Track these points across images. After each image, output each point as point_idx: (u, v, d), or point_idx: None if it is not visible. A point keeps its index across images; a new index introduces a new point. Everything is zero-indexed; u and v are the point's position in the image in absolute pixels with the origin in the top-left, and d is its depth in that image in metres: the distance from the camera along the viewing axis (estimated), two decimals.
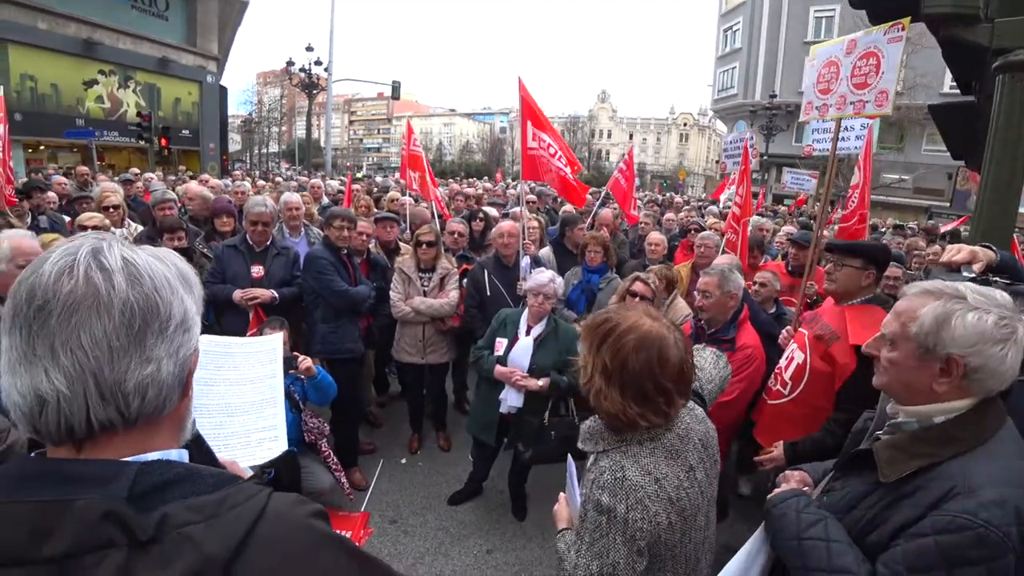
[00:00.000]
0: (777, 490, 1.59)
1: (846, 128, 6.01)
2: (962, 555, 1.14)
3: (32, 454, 0.69)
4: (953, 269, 1.86)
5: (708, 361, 1.95)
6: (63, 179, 8.18)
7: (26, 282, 0.66)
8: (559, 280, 3.55)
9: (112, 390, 0.66)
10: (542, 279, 3.41)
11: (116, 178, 8.99)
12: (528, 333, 3.48)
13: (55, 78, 19.50)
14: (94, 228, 4.27)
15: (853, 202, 5.15)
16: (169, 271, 0.73)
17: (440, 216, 6.06)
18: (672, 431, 1.45)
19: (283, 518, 0.69)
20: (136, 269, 0.69)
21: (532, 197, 8.44)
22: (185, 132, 23.96)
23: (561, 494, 1.81)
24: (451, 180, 19.91)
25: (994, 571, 1.13)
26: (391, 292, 4.35)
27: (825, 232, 7.82)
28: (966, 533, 1.14)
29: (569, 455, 1.90)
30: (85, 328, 0.64)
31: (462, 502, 3.93)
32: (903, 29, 3.03)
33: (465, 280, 4.47)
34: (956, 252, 1.88)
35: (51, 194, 6.23)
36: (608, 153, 68.47)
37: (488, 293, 4.24)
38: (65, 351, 0.64)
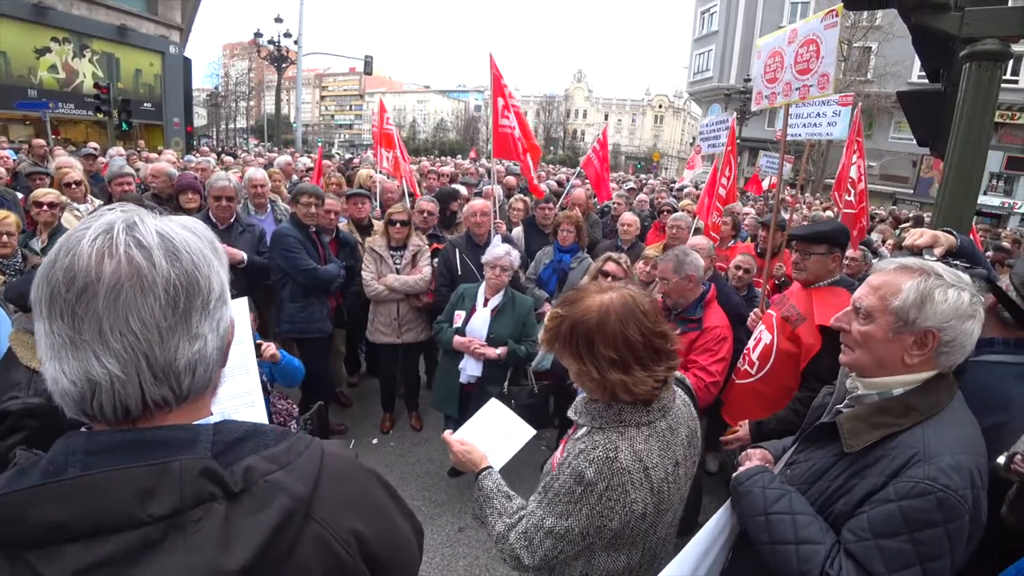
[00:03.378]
0: (742, 468, 1.61)
1: (818, 115, 6.05)
2: (924, 518, 1.20)
3: (81, 430, 0.69)
4: (915, 253, 1.90)
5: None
6: (4, 153, 7.75)
7: (61, 264, 0.63)
8: (515, 253, 3.65)
9: (164, 370, 0.67)
10: (499, 252, 3.53)
11: (78, 152, 8.57)
12: (486, 304, 3.60)
13: (3, 45, 18.33)
14: (50, 205, 4.09)
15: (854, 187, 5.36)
16: (202, 243, 0.71)
17: (411, 195, 5.97)
18: (665, 419, 1.42)
19: (339, 458, 0.80)
20: (173, 244, 0.67)
21: (511, 179, 8.37)
22: (147, 105, 22.92)
23: (465, 438, 1.80)
24: (422, 159, 19.57)
25: (952, 532, 1.19)
26: (363, 272, 4.28)
27: (794, 216, 8.02)
28: (927, 498, 1.19)
29: (495, 398, 2.01)
30: (132, 310, 0.63)
31: (460, 473, 3.91)
32: (837, 15, 3.18)
33: (436, 259, 4.42)
34: (919, 236, 1.93)
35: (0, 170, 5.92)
36: (583, 133, 68.38)
37: (459, 272, 4.21)
38: (115, 334, 0.63)
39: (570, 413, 1.50)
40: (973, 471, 1.22)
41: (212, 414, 0.77)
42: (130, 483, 0.62)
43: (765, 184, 11.33)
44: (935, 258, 1.82)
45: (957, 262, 1.80)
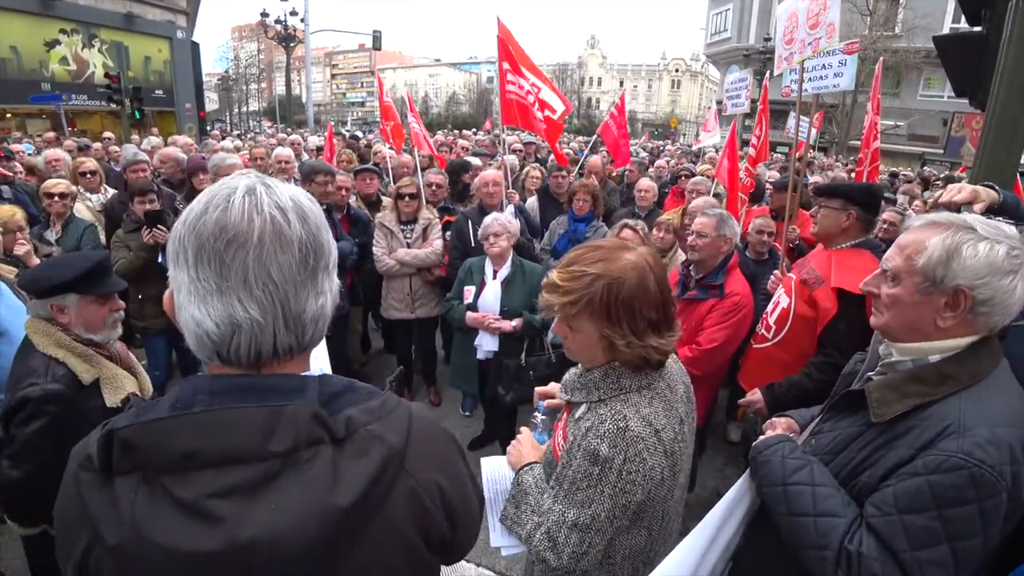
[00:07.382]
0: (763, 437, 1.55)
1: (823, 66, 5.69)
2: (954, 495, 1.11)
3: (200, 374, 0.77)
4: (953, 210, 1.78)
5: None
6: (21, 147, 7.86)
7: (212, 217, 0.69)
8: (502, 216, 3.63)
9: (295, 320, 0.74)
10: (486, 221, 3.53)
11: (82, 142, 8.64)
12: (495, 277, 3.54)
13: (14, 40, 18.43)
14: (60, 196, 4.12)
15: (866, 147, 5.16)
16: (320, 212, 0.78)
17: (431, 158, 5.89)
18: (663, 379, 1.36)
19: (425, 419, 0.86)
20: (302, 209, 0.74)
21: (519, 145, 8.21)
22: (158, 92, 22.94)
23: (524, 429, 1.70)
24: (437, 133, 19.39)
25: (986, 511, 1.11)
26: (374, 248, 4.24)
27: (817, 177, 7.75)
28: (960, 473, 1.11)
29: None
30: (273, 263, 0.70)
31: (480, 447, 3.98)
32: None
33: (448, 232, 4.36)
34: (957, 191, 1.81)
35: (17, 163, 6.01)
36: (598, 101, 67.04)
37: (473, 244, 4.13)
38: (258, 283, 0.70)
39: (561, 394, 1.42)
40: (1014, 445, 1.12)
41: (310, 369, 0.84)
42: (253, 421, 0.69)
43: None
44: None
45: (1000, 219, 1.68)
